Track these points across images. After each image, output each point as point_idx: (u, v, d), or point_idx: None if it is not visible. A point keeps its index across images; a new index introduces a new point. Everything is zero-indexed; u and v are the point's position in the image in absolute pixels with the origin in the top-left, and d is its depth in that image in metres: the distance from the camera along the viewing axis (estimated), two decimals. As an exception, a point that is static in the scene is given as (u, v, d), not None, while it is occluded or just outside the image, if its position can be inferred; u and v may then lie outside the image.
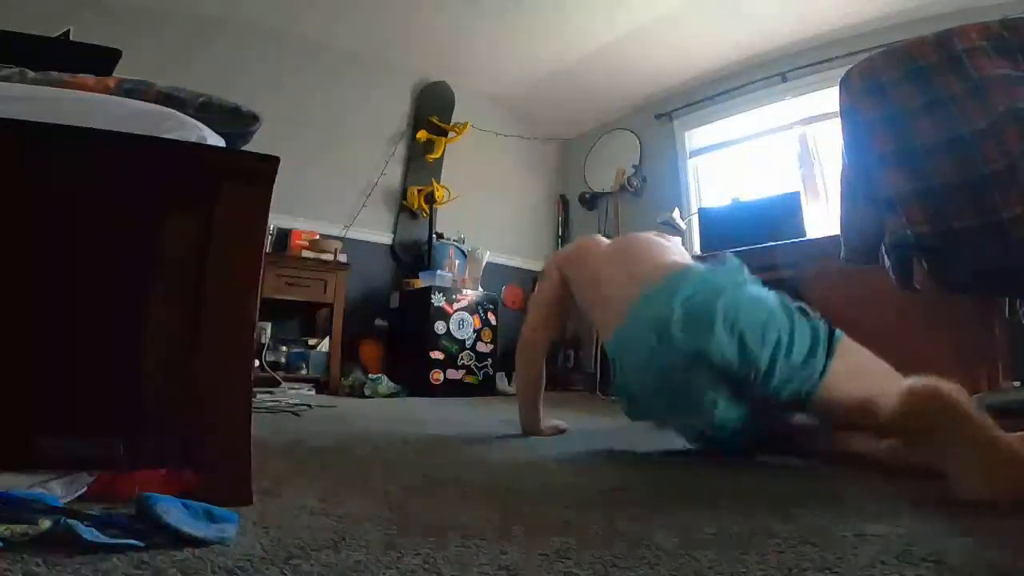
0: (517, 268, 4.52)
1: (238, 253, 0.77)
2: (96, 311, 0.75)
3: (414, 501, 0.78)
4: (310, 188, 3.56)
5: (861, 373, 1.04)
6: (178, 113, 0.85)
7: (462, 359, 3.45)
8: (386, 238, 3.99)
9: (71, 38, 1.66)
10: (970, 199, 1.40)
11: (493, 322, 3.61)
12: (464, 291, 3.55)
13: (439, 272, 3.62)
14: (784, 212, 3.17)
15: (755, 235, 3.07)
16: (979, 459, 0.77)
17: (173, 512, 0.58)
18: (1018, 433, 0.83)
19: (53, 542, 0.54)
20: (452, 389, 3.36)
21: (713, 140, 4.12)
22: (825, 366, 1.04)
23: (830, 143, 3.44)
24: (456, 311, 3.46)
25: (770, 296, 1.16)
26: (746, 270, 1.28)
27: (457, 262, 3.82)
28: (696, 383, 1.06)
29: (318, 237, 3.46)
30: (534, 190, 4.81)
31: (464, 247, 3.97)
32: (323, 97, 3.80)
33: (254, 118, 0.97)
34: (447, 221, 4.03)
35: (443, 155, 4.17)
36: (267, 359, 3.07)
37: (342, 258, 3.43)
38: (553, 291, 1.56)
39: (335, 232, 3.69)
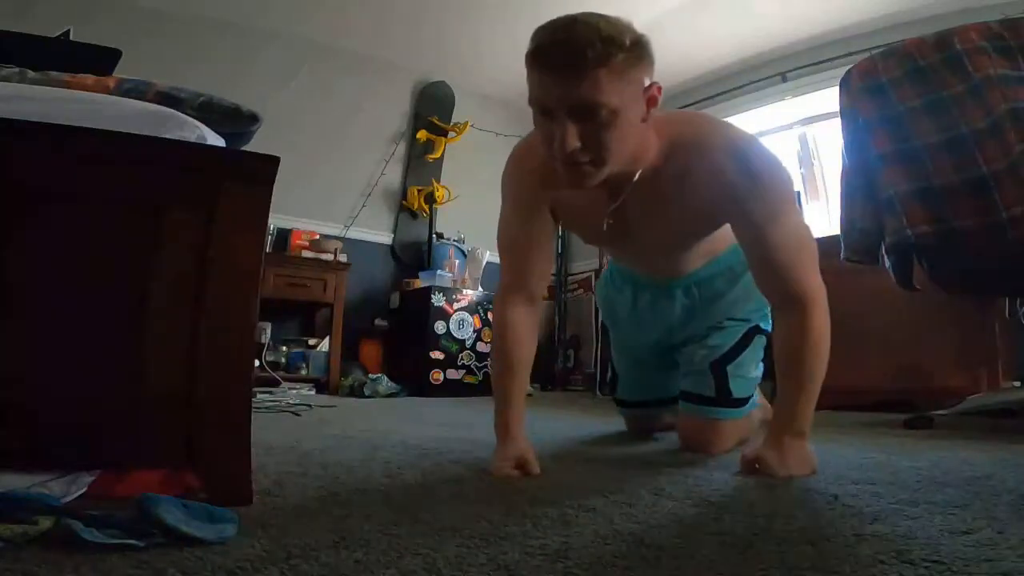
0: (517, 268, 4.51)
1: (238, 253, 0.77)
2: (95, 310, 0.75)
3: (414, 501, 0.78)
4: (310, 188, 3.56)
5: None
6: (178, 113, 0.85)
7: (462, 359, 3.45)
8: (386, 238, 3.99)
9: (71, 38, 1.66)
10: (970, 199, 1.40)
11: (493, 322, 3.61)
12: (464, 291, 3.55)
13: (439, 272, 3.62)
14: (784, 212, 3.16)
15: (755, 235, 3.07)
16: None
17: (173, 512, 0.58)
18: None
19: (53, 542, 0.54)
20: (452, 389, 3.36)
21: (713, 140, 4.12)
22: None
23: (830, 143, 3.44)
24: (456, 311, 3.46)
25: None
26: None
27: (457, 262, 3.82)
28: None
29: (318, 237, 3.47)
30: (534, 190, 4.79)
31: (464, 247, 3.97)
32: (323, 97, 3.80)
33: (254, 118, 0.97)
34: (447, 221, 4.02)
35: (443, 155, 4.17)
36: (267, 359, 3.07)
37: (342, 258, 3.43)
38: None
39: (335, 232, 3.69)
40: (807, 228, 1.02)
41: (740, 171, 0.93)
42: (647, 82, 0.87)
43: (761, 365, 1.32)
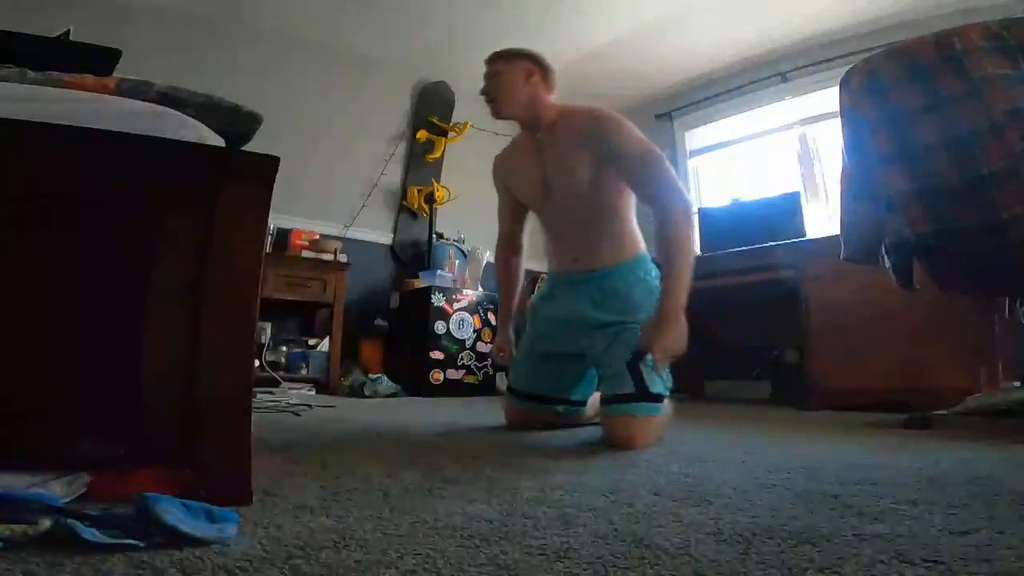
0: (517, 268, 4.52)
1: (238, 253, 0.77)
2: (96, 311, 0.75)
3: (414, 501, 0.78)
4: (310, 188, 3.56)
5: None
6: (178, 113, 0.85)
7: (462, 359, 3.46)
8: (386, 238, 3.99)
9: (71, 38, 1.66)
10: (970, 199, 1.40)
11: (493, 322, 3.61)
12: (464, 291, 3.55)
13: (439, 272, 3.62)
14: (784, 212, 3.17)
15: (755, 235, 3.07)
16: None
17: (173, 512, 0.58)
18: None
19: (53, 542, 0.54)
20: (452, 389, 3.37)
21: (713, 140, 4.12)
22: None
23: (830, 143, 3.44)
24: (456, 311, 3.46)
25: None
26: None
27: (457, 262, 3.82)
28: None
29: (318, 237, 3.47)
30: (534, 190, 4.79)
31: (464, 247, 3.97)
32: (323, 97, 3.80)
33: (254, 118, 0.97)
34: (447, 221, 4.02)
35: (443, 155, 4.17)
36: (267, 359, 3.07)
37: (342, 258, 3.43)
38: None
39: (335, 232, 3.69)
40: (660, 155, 1.46)
41: (601, 115, 1.51)
42: (531, 70, 1.56)
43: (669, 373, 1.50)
